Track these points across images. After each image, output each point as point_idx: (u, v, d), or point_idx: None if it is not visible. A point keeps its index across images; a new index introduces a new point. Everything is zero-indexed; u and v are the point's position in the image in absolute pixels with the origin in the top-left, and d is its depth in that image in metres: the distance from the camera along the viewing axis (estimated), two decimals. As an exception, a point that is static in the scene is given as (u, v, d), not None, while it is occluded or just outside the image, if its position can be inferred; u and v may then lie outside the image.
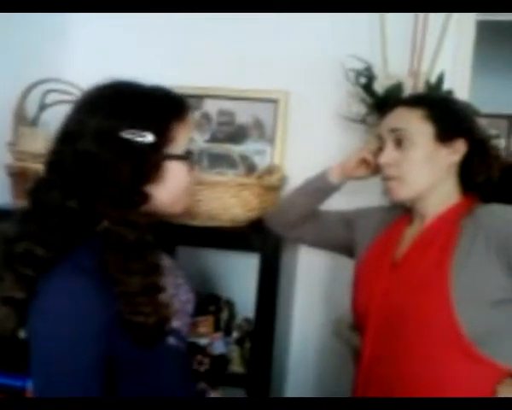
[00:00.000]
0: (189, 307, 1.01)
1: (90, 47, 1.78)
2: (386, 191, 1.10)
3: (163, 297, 0.85)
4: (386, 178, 1.09)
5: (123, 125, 0.82)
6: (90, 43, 1.78)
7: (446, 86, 1.44)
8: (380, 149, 1.12)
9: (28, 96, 1.49)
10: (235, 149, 1.61)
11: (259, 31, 1.67)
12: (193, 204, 1.33)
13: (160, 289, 0.84)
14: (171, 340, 0.90)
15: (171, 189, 0.88)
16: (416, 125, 1.05)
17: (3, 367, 1.42)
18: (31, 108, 1.51)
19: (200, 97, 1.70)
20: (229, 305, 1.63)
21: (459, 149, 1.04)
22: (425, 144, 1.04)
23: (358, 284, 1.16)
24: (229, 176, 1.40)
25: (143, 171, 0.83)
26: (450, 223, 1.03)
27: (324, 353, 1.70)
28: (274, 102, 1.66)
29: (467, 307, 0.95)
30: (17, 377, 1.42)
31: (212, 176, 1.39)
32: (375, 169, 1.16)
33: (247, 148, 1.67)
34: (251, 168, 1.63)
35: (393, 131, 1.07)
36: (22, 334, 1.44)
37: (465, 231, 1.00)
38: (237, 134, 1.69)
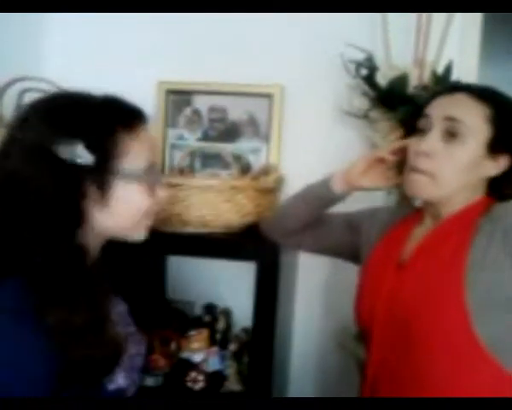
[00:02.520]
0: (139, 361, 0.89)
1: (70, 42, 1.66)
2: (409, 184, 0.97)
3: (112, 328, 0.74)
4: (416, 170, 0.95)
5: (55, 139, 0.70)
6: (69, 38, 1.65)
7: (454, 76, 1.34)
8: (401, 150, 1.01)
9: (4, 96, 1.38)
10: (228, 149, 1.50)
11: (252, 20, 1.55)
12: (183, 210, 1.24)
13: (107, 319, 0.73)
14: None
15: (120, 213, 0.76)
16: (477, 123, 0.92)
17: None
18: (7, 108, 1.40)
19: (190, 93, 1.59)
20: (226, 314, 1.54)
21: (501, 164, 0.94)
22: (476, 147, 0.92)
23: (362, 287, 1.08)
24: (222, 179, 1.30)
25: (79, 186, 0.71)
26: (464, 221, 0.95)
27: (327, 365, 1.61)
28: (268, 96, 1.55)
29: (483, 311, 0.88)
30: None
31: (202, 179, 1.29)
32: (388, 179, 1.05)
33: (241, 146, 1.57)
34: (245, 168, 1.52)
35: (449, 119, 0.93)
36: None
37: (481, 229, 0.92)
38: (230, 132, 1.58)
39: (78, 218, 0.72)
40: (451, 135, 0.92)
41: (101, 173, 0.72)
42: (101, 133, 0.72)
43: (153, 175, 0.78)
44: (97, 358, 0.70)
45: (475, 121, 0.92)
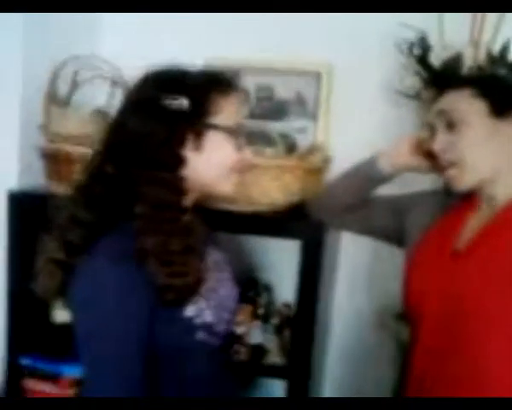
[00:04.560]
0: (230, 303, 0.98)
1: (122, 23, 1.67)
2: (448, 182, 0.99)
3: (196, 259, 0.86)
4: (445, 166, 0.98)
5: (160, 94, 0.84)
6: (121, 18, 1.66)
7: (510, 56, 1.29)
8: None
9: (60, 75, 1.43)
10: (274, 127, 1.51)
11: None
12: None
13: (193, 250, 0.85)
14: (201, 334, 0.87)
15: (212, 160, 0.87)
16: (466, 104, 0.95)
17: (40, 351, 1.42)
18: (62, 87, 1.45)
19: (237, 71, 1.59)
20: (268, 289, 1.58)
21: None
22: (478, 121, 0.94)
23: (413, 272, 1.06)
24: (269, 158, 1.30)
25: (179, 134, 0.84)
26: None
27: (367, 343, 1.62)
28: (317, 75, 1.54)
29: None
30: (53, 361, 1.41)
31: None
32: (435, 162, 1.04)
33: (288, 125, 1.57)
34: (292, 147, 1.52)
35: (442, 113, 0.98)
36: (58, 318, 1.45)
37: None
38: (277, 110, 1.58)
39: (179, 158, 0.85)
40: (451, 125, 0.96)
41: (198, 123, 0.85)
42: (200, 91, 0.86)
43: (239, 134, 0.90)
44: (185, 283, 0.81)
45: (464, 103, 0.95)
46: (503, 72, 1.26)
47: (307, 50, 1.54)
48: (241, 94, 0.92)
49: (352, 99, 1.54)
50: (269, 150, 1.45)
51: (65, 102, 1.45)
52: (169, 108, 0.84)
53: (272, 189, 1.28)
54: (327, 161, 1.40)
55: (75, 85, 1.46)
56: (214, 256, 0.99)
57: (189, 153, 0.85)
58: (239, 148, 0.90)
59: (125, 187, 0.85)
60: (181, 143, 0.85)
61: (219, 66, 1.54)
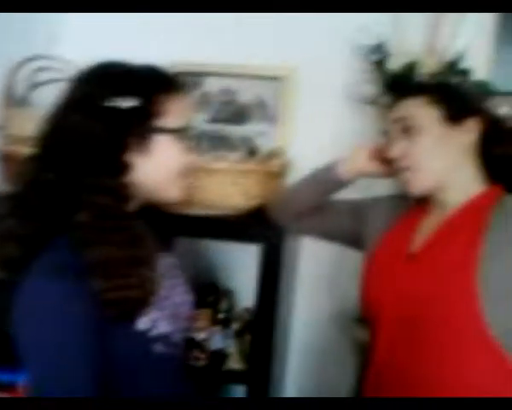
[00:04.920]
0: (185, 310, 0.94)
1: (83, 22, 1.65)
2: (404, 186, 1.02)
3: (146, 271, 0.80)
4: (400, 171, 1.01)
5: (105, 94, 0.79)
6: (82, 17, 1.64)
7: (467, 62, 1.32)
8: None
9: (17, 75, 1.40)
10: (235, 131, 1.51)
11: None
12: (190, 192, 1.25)
13: (141, 260, 0.79)
14: (159, 347, 0.83)
15: (159, 165, 0.83)
16: (421, 111, 0.99)
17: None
18: (20, 87, 1.42)
19: (200, 75, 1.59)
20: (229, 294, 1.57)
21: (471, 128, 0.98)
22: (433, 128, 0.98)
23: (370, 275, 1.08)
24: (229, 162, 1.30)
25: (123, 137, 0.79)
26: (476, 213, 0.96)
27: (327, 347, 1.63)
28: (278, 79, 1.55)
29: (495, 304, 0.88)
30: (8, 370, 1.37)
31: (209, 162, 1.31)
32: (391, 168, 1.06)
33: (250, 129, 1.57)
34: (253, 151, 1.53)
35: (398, 120, 1.01)
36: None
37: (494, 221, 0.93)
38: (239, 114, 1.59)
39: (122, 162, 0.80)
40: (407, 131, 1.00)
41: (144, 125, 0.80)
42: (144, 90, 0.81)
43: (187, 136, 0.86)
44: (130, 297, 0.76)
45: (419, 110, 0.99)
46: (458, 79, 1.29)
47: (269, 54, 1.55)
48: (188, 94, 0.90)
49: (314, 104, 1.55)
50: (230, 155, 1.45)
51: (23, 104, 1.42)
52: (112, 109, 0.78)
53: (233, 193, 1.28)
54: (287, 165, 1.40)
55: (33, 86, 1.44)
56: (165, 262, 0.94)
57: (134, 157, 0.80)
58: (187, 151, 0.86)
59: (64, 195, 0.78)
60: (125, 146, 0.79)
61: (183, 69, 1.56)
